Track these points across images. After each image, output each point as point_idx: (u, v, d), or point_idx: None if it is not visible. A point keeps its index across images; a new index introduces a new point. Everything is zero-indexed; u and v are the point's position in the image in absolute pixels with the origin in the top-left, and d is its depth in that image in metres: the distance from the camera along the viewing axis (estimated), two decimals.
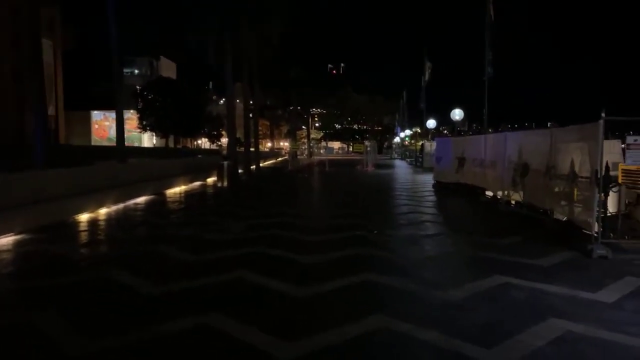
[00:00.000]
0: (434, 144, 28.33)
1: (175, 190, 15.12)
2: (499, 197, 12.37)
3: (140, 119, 60.37)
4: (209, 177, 19.17)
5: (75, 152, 36.53)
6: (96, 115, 76.48)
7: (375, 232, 8.22)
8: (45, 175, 9.42)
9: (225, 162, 16.93)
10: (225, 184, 16.80)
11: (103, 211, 10.26)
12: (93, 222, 8.96)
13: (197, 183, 17.99)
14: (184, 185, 16.72)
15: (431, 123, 32.08)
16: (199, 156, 29.55)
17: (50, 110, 61.10)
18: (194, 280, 5.19)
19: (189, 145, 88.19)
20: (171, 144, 66.31)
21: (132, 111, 66.47)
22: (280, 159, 52.19)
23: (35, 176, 8.91)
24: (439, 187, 16.69)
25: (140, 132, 63.79)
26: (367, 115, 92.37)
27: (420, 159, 37.63)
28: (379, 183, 19.75)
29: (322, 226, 8.73)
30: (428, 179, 20.94)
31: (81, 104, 71.75)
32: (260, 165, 36.46)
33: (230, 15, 16.48)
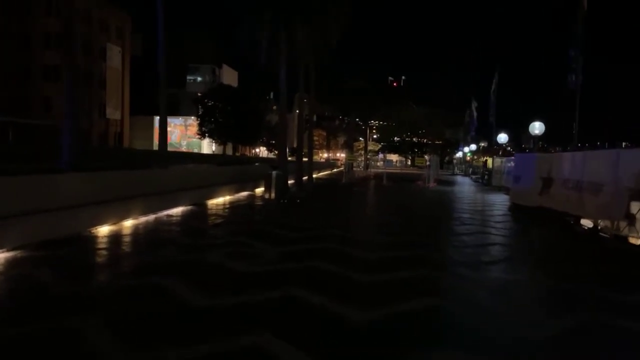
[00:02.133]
0: (505, 160, 25.69)
1: (217, 201, 13.78)
2: (600, 227, 10.01)
3: (200, 126, 61.12)
4: (258, 187, 17.80)
5: (127, 156, 36.79)
6: (159, 120, 78.83)
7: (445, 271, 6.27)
8: (61, 180, 8.21)
9: (274, 172, 15.42)
10: (273, 195, 15.28)
11: (127, 224, 8.95)
12: (106, 239, 7.61)
13: (244, 193, 16.63)
14: (229, 195, 15.38)
15: (502, 137, 29.27)
16: (257, 164, 28.50)
17: (117, 115, 63.43)
18: (187, 347, 3.52)
19: (247, 153, 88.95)
20: (230, 152, 66.75)
21: (192, 117, 67.67)
22: (335, 170, 50.57)
23: (46, 181, 7.69)
24: (516, 210, 14.31)
25: (200, 138, 64.67)
26: (428, 128, 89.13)
27: (486, 176, 34.79)
28: (443, 203, 17.54)
29: (377, 259, 6.87)
30: (499, 200, 18.49)
31: (146, 109, 74.05)
32: (314, 176, 35.04)
33: (285, 8, 15.13)
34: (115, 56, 61.55)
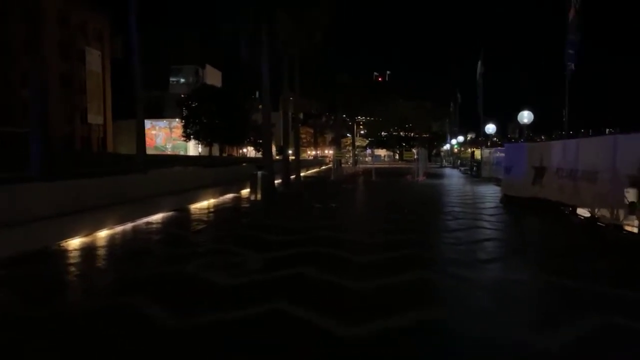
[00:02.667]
0: (494, 151, 25.44)
1: (201, 205, 13.22)
2: (597, 216, 9.67)
3: (185, 127, 60.21)
4: (244, 188, 17.25)
5: (109, 161, 35.97)
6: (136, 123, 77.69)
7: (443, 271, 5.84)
8: (26, 190, 7.65)
9: (259, 173, 14.90)
10: (259, 197, 14.77)
11: (101, 234, 8.39)
12: (74, 253, 7.04)
13: (230, 196, 16.08)
14: (214, 198, 14.83)
15: (490, 128, 29.01)
16: (244, 165, 27.82)
17: (99, 120, 62.24)
18: None
19: (234, 153, 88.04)
20: (217, 153, 65.89)
21: (177, 120, 66.69)
22: (324, 167, 50.10)
23: (8, 191, 7.11)
24: (509, 202, 13.96)
25: (185, 140, 63.75)
26: (415, 121, 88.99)
27: (475, 168, 34.58)
28: (434, 197, 17.16)
29: (371, 261, 6.42)
30: (490, 192, 18.17)
31: (129, 113, 73.04)
32: (302, 174, 34.52)
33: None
34: (94, 60, 60.36)
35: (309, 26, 17.24)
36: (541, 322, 4.20)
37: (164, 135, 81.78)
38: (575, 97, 16.32)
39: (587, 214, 10.27)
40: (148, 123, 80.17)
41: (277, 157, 29.90)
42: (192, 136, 60.75)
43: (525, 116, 17.95)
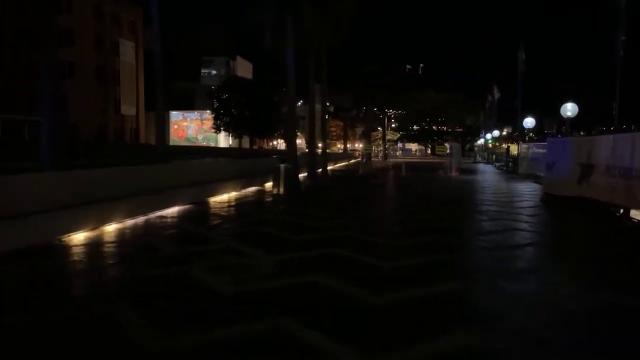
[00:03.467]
0: (532, 146, 24.04)
1: (221, 199, 12.68)
2: None
3: (215, 119, 60.35)
4: (267, 181, 16.66)
5: (137, 151, 36.15)
6: (175, 115, 78.20)
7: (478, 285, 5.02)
8: (30, 180, 7.19)
9: (282, 166, 14.25)
10: (282, 190, 14.13)
11: (109, 228, 7.90)
12: (75, 249, 6.53)
13: (252, 189, 15.51)
14: (235, 191, 14.29)
15: (529, 122, 27.48)
16: (274, 157, 27.25)
17: (132, 111, 63.08)
18: None
19: (265, 146, 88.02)
20: (247, 145, 65.82)
21: (208, 111, 66.90)
22: (353, 160, 49.18)
23: (10, 182, 6.65)
24: (550, 201, 12.87)
25: (215, 132, 63.94)
26: (447, 115, 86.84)
27: (510, 163, 33.09)
28: (468, 194, 16.14)
29: (394, 270, 5.64)
30: (529, 190, 17.02)
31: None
32: (330, 168, 33.81)
33: None
34: (128, 51, 61.06)
35: (335, 16, 16.42)
36: (606, 352, 3.36)
37: (195, 127, 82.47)
38: (622, 90, 15.03)
39: None
40: (179, 115, 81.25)
41: (307, 150, 29.16)
42: (222, 128, 60.86)
43: (569, 109, 16.66)
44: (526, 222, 9.58)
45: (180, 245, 7.02)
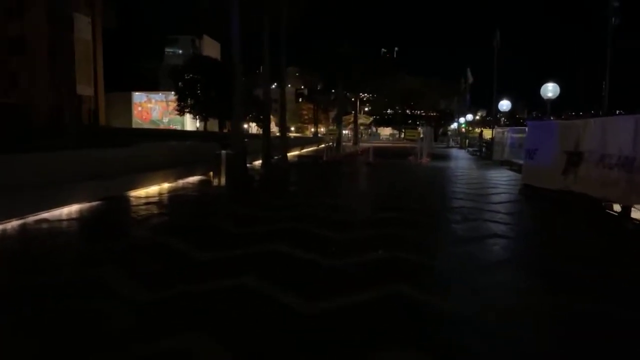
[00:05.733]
0: (508, 131, 22.51)
1: (145, 192, 10.53)
2: None
3: (179, 101, 57.25)
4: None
5: (91, 134, 33.27)
6: (138, 97, 74.43)
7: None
8: None
9: (223, 152, 12.16)
10: (222, 181, 12.08)
11: None
12: None
13: (191, 179, 13.39)
14: (167, 182, 12.15)
15: (505, 105, 25.92)
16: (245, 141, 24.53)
17: (89, 91, 59.34)
18: None
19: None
20: (216, 129, 62.79)
21: (173, 93, 63.63)
22: (323, 145, 47.17)
23: None
24: (531, 194, 11.22)
25: (179, 114, 60.90)
26: (422, 99, 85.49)
27: (483, 149, 31.76)
28: (439, 185, 14.39)
29: (324, 311, 3.73)
30: (504, 178, 15.46)
31: (123, 85, 69.77)
32: (297, 153, 31.78)
33: None
34: (84, 27, 56.95)
35: None
36: None
37: (161, 109, 78.97)
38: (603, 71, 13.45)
39: None
40: (143, 96, 77.51)
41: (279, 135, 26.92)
42: (186, 110, 57.91)
43: (550, 89, 15.01)
44: (506, 223, 7.81)
45: (30, 273, 4.93)
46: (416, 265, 5.27)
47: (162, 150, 14.09)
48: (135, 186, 10.67)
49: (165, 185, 11.86)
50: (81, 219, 7.51)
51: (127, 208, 8.78)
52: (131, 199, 9.70)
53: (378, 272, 4.93)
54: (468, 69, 50.30)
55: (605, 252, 6.15)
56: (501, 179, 15.27)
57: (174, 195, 10.49)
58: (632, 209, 7.68)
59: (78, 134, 10.58)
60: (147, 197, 10.00)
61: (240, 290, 4.22)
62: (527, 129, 13.09)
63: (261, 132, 22.08)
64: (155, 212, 8.22)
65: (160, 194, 10.62)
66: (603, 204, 8.89)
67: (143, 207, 8.73)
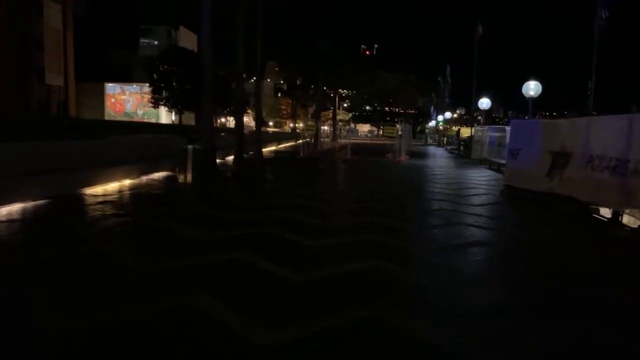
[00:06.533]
0: (488, 129, 22.21)
1: (95, 191, 9.59)
2: None
3: (153, 93, 55.62)
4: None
5: (61, 126, 31.87)
6: (111, 88, 72.27)
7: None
8: None
9: (190, 147, 11.34)
10: (189, 178, 11.28)
11: None
12: None
13: (156, 175, 12.55)
14: (129, 178, 11.28)
15: (484, 103, 25.63)
16: (222, 135, 23.40)
17: (59, 81, 57.17)
18: None
19: (215, 124, 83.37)
20: (192, 122, 61.22)
21: (147, 84, 61.82)
22: (301, 141, 46.48)
23: None
24: (513, 196, 10.76)
25: (153, 107, 59.29)
26: (400, 96, 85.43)
27: (461, 147, 31.57)
28: (418, 185, 13.88)
29: (288, 340, 3.05)
30: (484, 178, 15.08)
31: (95, 75, 67.51)
32: (273, 149, 31.01)
33: None
34: (54, 14, 54.84)
35: None
36: None
37: (135, 101, 76.96)
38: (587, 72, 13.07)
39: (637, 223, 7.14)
40: (116, 87, 75.37)
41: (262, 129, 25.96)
42: (160, 103, 56.34)
43: (532, 88, 14.60)
44: (487, 228, 7.28)
45: None
46: (393, 280, 4.64)
47: (126, 143, 13.17)
48: (92, 183, 9.79)
49: (127, 182, 10.98)
50: (15, 220, 6.65)
51: (76, 208, 7.92)
52: (84, 197, 8.83)
53: (350, 291, 4.27)
54: (447, 67, 50.26)
55: (597, 265, 5.64)
56: (481, 179, 14.85)
57: (134, 193, 9.64)
58: (623, 214, 7.23)
59: (27, 124, 9.63)
60: (103, 195, 9.13)
61: (189, 313, 3.52)
62: (509, 127, 12.65)
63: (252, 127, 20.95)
64: (107, 212, 7.38)
65: (118, 191, 9.76)
66: (590, 207, 8.44)
67: (94, 207, 7.89)
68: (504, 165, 15.77)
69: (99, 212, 7.36)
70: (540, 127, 10.37)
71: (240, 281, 4.39)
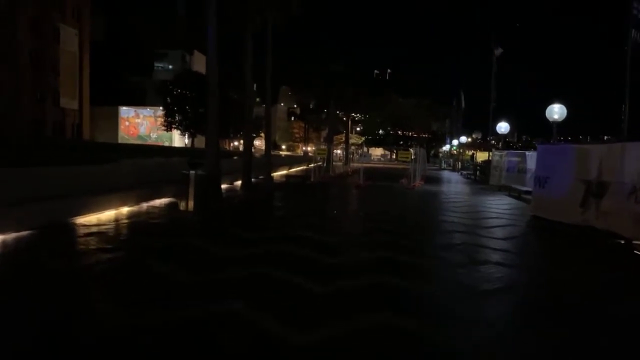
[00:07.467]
0: (507, 154, 21.33)
1: (88, 220, 8.88)
2: None
3: (166, 116, 55.77)
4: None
5: (71, 148, 31.68)
6: (125, 111, 72.72)
7: None
8: None
9: (192, 173, 10.66)
10: (191, 206, 10.56)
11: None
12: None
13: (157, 202, 11.84)
14: (127, 206, 10.59)
15: (503, 127, 24.77)
16: (234, 158, 22.87)
17: (74, 104, 57.69)
18: None
19: (227, 146, 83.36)
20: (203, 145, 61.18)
21: (161, 108, 62.14)
22: (312, 165, 45.89)
23: None
24: (542, 229, 9.84)
25: (166, 130, 59.38)
26: (414, 120, 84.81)
27: (477, 172, 30.59)
28: (436, 215, 12.99)
29: None
30: (505, 206, 14.14)
31: (110, 99, 68.06)
32: (284, 172, 30.39)
33: None
34: (70, 39, 55.59)
35: None
36: None
37: (149, 124, 77.35)
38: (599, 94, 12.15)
39: None
40: (131, 110, 75.88)
41: (273, 153, 25.35)
42: (173, 126, 56.41)
43: (557, 111, 13.76)
44: (518, 266, 6.39)
45: None
46: (412, 338, 3.80)
47: (128, 167, 12.59)
48: (86, 210, 9.10)
49: (124, 210, 10.30)
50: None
51: (62, 240, 7.22)
52: (75, 227, 8.14)
53: (360, 350, 3.44)
54: (461, 92, 49.68)
55: None
56: (502, 207, 13.90)
57: (130, 223, 8.94)
58: None
59: (22, 145, 9.10)
60: (95, 224, 8.43)
61: None
62: (530, 153, 11.79)
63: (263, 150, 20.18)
64: (92, 247, 6.65)
65: (113, 220, 9.06)
66: (633, 243, 7.51)
67: (82, 239, 7.17)
68: (525, 192, 14.87)
69: (81, 246, 6.64)
70: (572, 153, 9.50)
71: (235, 338, 3.58)
